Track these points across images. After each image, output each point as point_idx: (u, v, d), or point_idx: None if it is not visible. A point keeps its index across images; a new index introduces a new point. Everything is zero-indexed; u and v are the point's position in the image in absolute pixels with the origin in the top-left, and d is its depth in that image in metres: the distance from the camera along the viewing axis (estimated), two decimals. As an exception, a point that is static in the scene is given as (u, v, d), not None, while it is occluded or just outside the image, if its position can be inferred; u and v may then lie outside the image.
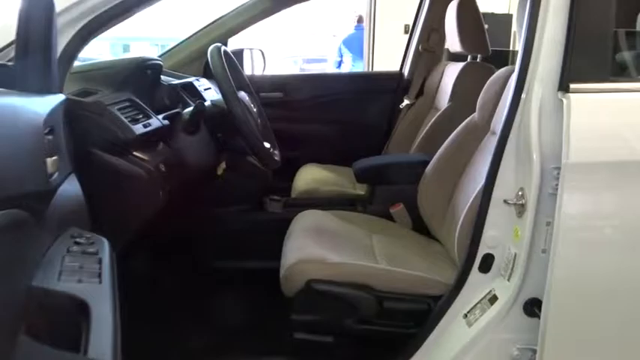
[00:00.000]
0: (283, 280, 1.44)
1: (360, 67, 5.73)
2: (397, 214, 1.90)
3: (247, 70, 2.94)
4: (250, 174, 1.94)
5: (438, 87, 2.41)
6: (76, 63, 1.47)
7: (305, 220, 1.78)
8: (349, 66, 5.99)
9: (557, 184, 1.15)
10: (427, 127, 2.24)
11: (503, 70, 1.66)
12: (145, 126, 1.32)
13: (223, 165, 1.68)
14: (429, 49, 2.56)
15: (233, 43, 3.11)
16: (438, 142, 1.87)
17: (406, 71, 2.70)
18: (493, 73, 1.80)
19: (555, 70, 1.17)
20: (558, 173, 1.14)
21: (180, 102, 1.71)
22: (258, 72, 2.91)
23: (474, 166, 1.71)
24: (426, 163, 1.84)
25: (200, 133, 1.50)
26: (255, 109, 1.61)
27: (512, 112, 1.24)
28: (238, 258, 1.98)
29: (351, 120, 2.72)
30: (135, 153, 1.29)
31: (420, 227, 1.86)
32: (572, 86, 1.14)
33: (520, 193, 1.19)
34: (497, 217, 1.25)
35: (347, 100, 2.71)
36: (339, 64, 6.22)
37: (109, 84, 1.38)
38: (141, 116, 1.34)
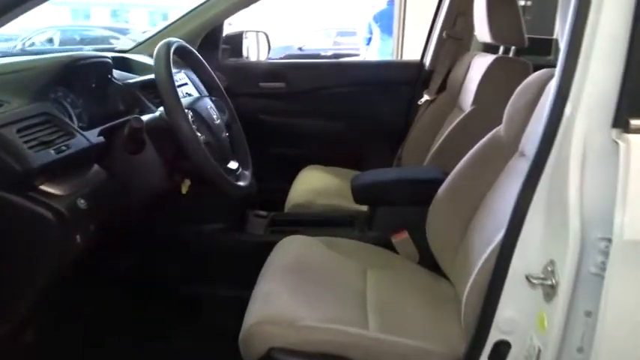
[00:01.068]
0: (241, 344, 1.14)
1: (390, 46, 5.29)
2: (400, 245, 1.57)
3: (252, 56, 2.63)
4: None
5: (462, 82, 2.03)
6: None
7: (286, 252, 1.47)
8: (378, 44, 5.55)
9: (604, 262, 0.80)
10: (446, 133, 1.88)
11: (540, 72, 1.29)
12: (58, 150, 1.02)
13: (188, 182, 1.38)
14: (454, 35, 2.17)
15: (248, 20, 2.80)
16: (458, 153, 1.52)
17: (427, 61, 2.32)
18: (529, 72, 1.43)
19: (610, 96, 0.81)
20: (607, 247, 0.79)
21: (138, 106, 1.41)
22: (262, 57, 2.60)
23: (496, 194, 1.36)
24: (439, 182, 1.50)
25: (146, 151, 1.20)
26: (217, 121, 1.30)
27: (548, 141, 0.89)
28: (209, 285, 1.69)
29: (362, 116, 2.38)
30: (42, 187, 1.00)
31: (428, 260, 1.53)
32: (634, 123, 0.78)
33: (550, 268, 0.85)
34: (516, 295, 0.91)
35: (358, 92, 2.36)
36: (369, 41, 5.79)
37: (22, 92, 1.09)
38: (56, 136, 1.04)
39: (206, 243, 1.71)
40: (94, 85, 1.36)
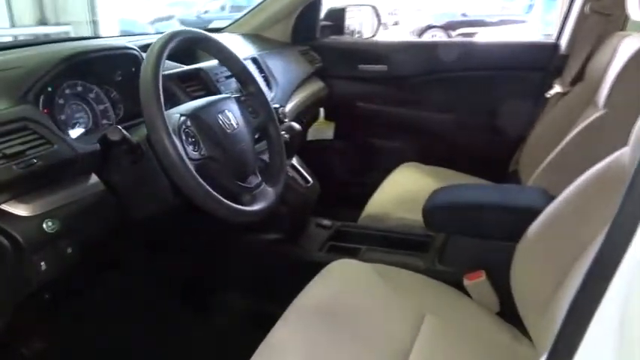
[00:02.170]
0: None
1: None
2: (474, 288, 1.23)
3: (365, 33, 2.36)
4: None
5: (604, 73, 1.55)
6: None
7: (328, 282, 1.23)
8: (541, 11, 4.84)
9: None
10: (566, 141, 1.45)
11: None
12: (27, 164, 0.89)
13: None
14: (600, 10, 1.67)
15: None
16: (574, 171, 1.13)
17: (564, 43, 1.83)
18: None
19: None
20: None
21: (170, 101, 1.25)
22: (370, 34, 2.31)
23: (605, 244, 0.97)
24: (537, 212, 1.13)
25: (146, 160, 1.04)
26: (235, 128, 1.07)
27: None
28: (243, 297, 1.55)
29: (478, 108, 1.99)
30: (3, 207, 0.88)
31: (510, 311, 1.18)
32: None
33: None
34: None
35: (474, 79, 1.97)
36: (530, 8, 5.09)
37: (6, 94, 0.98)
38: (29, 146, 0.91)
39: (248, 254, 1.53)
40: (120, 79, 1.23)
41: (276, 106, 1.56)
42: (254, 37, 2.07)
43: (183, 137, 0.97)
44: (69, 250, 0.95)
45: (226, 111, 1.09)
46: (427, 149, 2.02)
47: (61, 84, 1.12)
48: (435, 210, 1.30)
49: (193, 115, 1.02)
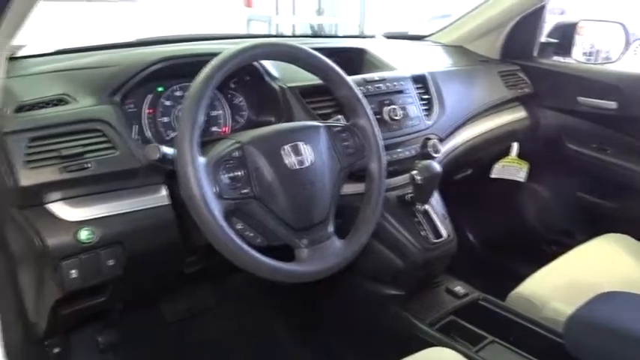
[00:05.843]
0: None
1: None
2: None
3: (600, 57, 1.87)
4: (392, 245, 1.19)
5: None
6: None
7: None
8: None
9: None
10: None
11: None
12: (79, 167, 0.86)
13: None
14: None
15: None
16: None
17: None
18: None
19: None
20: None
21: (284, 116, 1.12)
22: (613, 58, 1.81)
23: None
24: None
25: None
26: (304, 163, 0.86)
27: None
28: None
29: None
30: (49, 206, 0.87)
31: None
32: None
33: None
34: None
35: None
36: None
37: (97, 90, 0.96)
38: (91, 149, 0.87)
39: (352, 301, 1.32)
40: (233, 86, 1.14)
41: (431, 137, 1.30)
42: (454, 49, 1.79)
43: (222, 170, 0.82)
44: (109, 263, 0.90)
45: (300, 143, 0.90)
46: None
47: (172, 85, 1.08)
48: (575, 326, 0.89)
49: (248, 144, 0.86)
